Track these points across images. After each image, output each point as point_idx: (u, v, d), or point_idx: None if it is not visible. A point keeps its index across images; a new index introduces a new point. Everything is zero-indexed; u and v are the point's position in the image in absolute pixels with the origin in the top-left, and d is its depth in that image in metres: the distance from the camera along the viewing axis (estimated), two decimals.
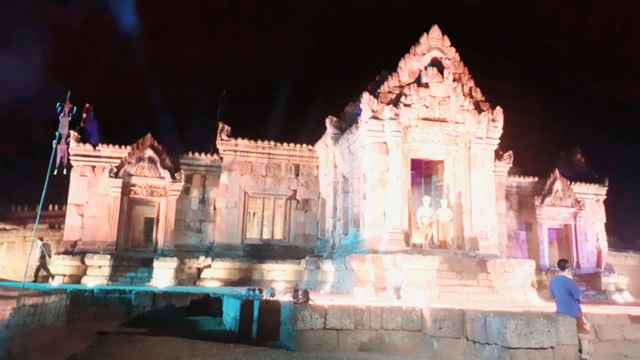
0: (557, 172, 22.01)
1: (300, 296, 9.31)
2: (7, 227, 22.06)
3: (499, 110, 16.36)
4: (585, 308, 8.83)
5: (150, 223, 20.59)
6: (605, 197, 22.82)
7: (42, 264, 17.35)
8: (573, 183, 22.05)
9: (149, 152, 19.36)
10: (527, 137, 26.67)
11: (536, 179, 22.34)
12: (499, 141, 16.53)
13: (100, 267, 17.77)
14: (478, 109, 16.22)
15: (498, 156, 19.78)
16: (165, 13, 38.29)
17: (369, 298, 12.77)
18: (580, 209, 21.51)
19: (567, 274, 8.15)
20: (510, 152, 20.86)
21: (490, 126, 16.14)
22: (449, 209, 15.73)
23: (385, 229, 15.11)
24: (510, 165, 21.14)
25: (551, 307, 10.79)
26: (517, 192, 22.29)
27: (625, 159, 32.79)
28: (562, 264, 8.26)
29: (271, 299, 10.05)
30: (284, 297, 10.27)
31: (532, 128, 28.26)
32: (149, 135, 19.77)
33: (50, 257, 17.72)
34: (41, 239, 18.21)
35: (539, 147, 28.30)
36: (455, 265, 14.17)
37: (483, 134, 16.01)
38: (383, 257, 14.05)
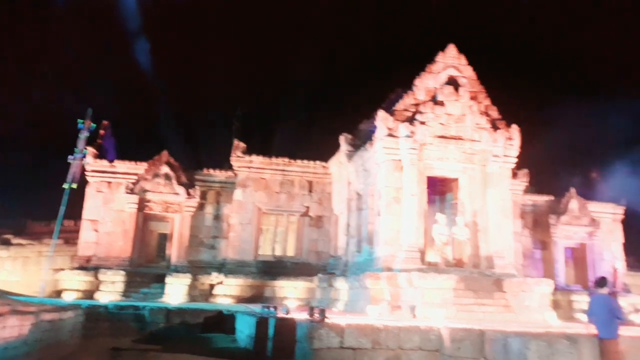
0: (572, 190, 21.77)
1: (316, 314, 9.22)
2: (23, 242, 22.24)
3: (515, 128, 16.28)
4: None
5: (163, 239, 20.62)
6: (622, 216, 22.44)
7: None
8: (589, 202, 21.79)
9: (165, 169, 19.51)
10: (544, 156, 26.41)
11: (552, 197, 22.11)
12: (515, 159, 16.39)
13: (113, 282, 17.81)
14: (494, 127, 16.15)
15: (514, 174, 19.62)
16: (179, 32, 38.88)
17: (383, 317, 12.61)
18: (597, 228, 21.22)
19: (606, 292, 7.79)
20: (526, 171, 20.70)
21: (507, 144, 16.06)
22: (466, 228, 15.59)
23: (400, 247, 14.99)
24: (526, 183, 20.94)
25: (571, 327, 10.60)
26: (533, 211, 22.05)
27: None
28: (601, 281, 7.73)
29: (286, 316, 9.96)
30: (299, 315, 10.17)
31: (549, 146, 28.00)
32: (165, 152, 19.95)
33: None
34: None
35: (555, 166, 28.02)
36: (472, 284, 13.98)
37: (499, 152, 15.92)
38: (398, 275, 13.91)
